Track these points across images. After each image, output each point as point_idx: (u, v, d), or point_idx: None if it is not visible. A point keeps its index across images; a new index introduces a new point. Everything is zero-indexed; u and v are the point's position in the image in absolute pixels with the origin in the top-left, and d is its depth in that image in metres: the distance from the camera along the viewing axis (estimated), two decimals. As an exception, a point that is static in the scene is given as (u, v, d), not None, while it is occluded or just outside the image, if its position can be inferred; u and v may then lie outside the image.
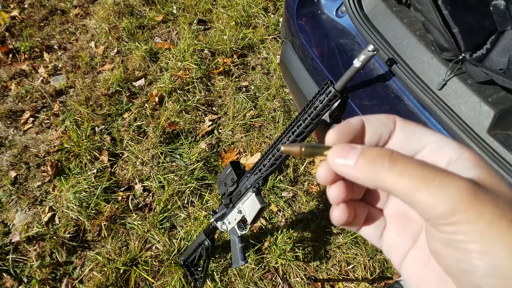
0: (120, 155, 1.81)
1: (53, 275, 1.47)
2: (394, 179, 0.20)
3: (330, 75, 1.07)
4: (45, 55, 2.27)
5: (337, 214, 0.26)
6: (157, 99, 2.01)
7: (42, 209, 1.62)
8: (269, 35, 2.38)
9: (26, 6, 2.60)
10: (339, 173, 0.23)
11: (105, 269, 1.46)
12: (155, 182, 1.70)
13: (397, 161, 0.20)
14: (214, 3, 2.60)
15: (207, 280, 1.44)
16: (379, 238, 0.28)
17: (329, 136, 0.25)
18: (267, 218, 1.62)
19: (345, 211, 0.26)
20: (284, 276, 1.49)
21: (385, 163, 0.20)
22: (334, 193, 0.26)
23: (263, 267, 1.50)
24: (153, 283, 1.45)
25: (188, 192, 1.67)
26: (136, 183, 1.72)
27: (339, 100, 0.87)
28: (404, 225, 0.27)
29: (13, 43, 2.29)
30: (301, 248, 1.53)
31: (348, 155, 0.22)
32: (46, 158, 1.79)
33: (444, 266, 0.22)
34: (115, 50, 2.29)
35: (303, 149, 0.24)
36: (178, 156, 1.80)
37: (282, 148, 0.25)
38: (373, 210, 0.28)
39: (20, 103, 2.02)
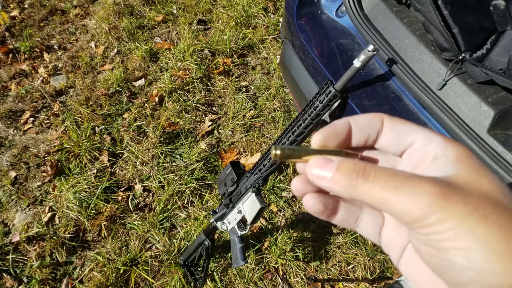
0: (120, 155, 1.81)
1: (53, 275, 1.47)
2: (367, 192, 0.21)
3: (330, 75, 1.07)
4: (45, 55, 2.27)
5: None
6: (157, 99, 2.01)
7: (42, 209, 1.62)
8: (269, 35, 2.38)
9: (26, 6, 2.60)
10: (319, 186, 0.23)
11: (105, 269, 1.46)
12: (155, 182, 1.70)
13: (369, 175, 0.21)
14: (214, 3, 2.60)
15: (207, 280, 1.44)
16: (378, 236, 0.29)
17: (314, 139, 0.26)
18: (267, 218, 1.62)
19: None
20: (284, 276, 1.49)
21: (358, 179, 0.21)
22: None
23: (263, 267, 1.50)
24: (153, 283, 1.45)
25: (188, 192, 1.67)
26: (136, 183, 1.72)
27: (339, 100, 0.87)
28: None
29: (13, 43, 2.29)
30: (301, 248, 1.53)
31: (325, 169, 0.22)
32: (46, 158, 1.79)
33: (426, 263, 0.23)
34: (115, 50, 2.29)
35: (277, 152, 0.24)
36: (178, 156, 1.80)
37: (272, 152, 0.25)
38: (370, 209, 0.28)
39: (20, 103, 2.02)
